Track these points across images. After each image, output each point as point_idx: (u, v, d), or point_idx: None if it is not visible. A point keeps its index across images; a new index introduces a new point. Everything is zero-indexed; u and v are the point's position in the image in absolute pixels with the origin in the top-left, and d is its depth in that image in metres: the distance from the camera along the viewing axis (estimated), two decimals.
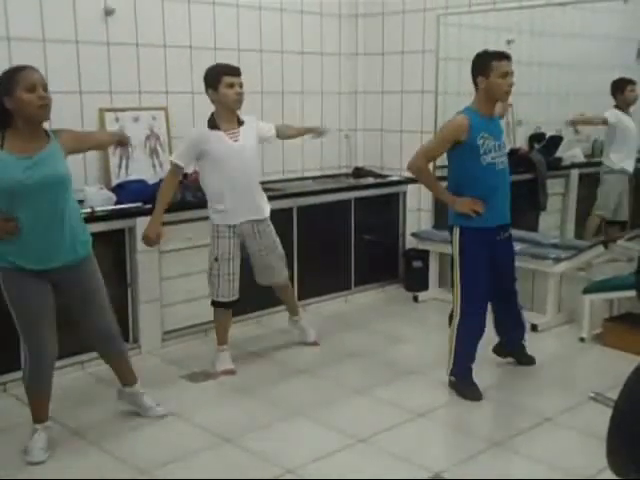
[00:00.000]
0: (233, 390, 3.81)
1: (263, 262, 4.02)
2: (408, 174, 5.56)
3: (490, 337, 3.91)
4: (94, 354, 4.03)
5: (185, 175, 4.57)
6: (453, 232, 3.63)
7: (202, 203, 4.36)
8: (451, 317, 3.71)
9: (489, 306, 3.75)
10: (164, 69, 4.67)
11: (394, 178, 5.65)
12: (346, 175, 5.82)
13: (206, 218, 4.35)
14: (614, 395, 1.73)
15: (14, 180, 2.77)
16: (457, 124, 3.50)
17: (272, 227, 4.03)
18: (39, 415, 3.14)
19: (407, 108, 5.64)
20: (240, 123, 3.88)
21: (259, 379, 3.93)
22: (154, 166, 4.63)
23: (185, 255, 4.31)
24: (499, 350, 4.03)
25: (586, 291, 4.47)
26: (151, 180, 4.49)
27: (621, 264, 4.59)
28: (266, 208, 4.00)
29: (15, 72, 2.82)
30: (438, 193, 3.77)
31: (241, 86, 3.80)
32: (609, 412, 1.72)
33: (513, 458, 3.10)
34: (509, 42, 5.73)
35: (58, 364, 3.85)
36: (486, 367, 3.97)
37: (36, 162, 2.82)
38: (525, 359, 4.03)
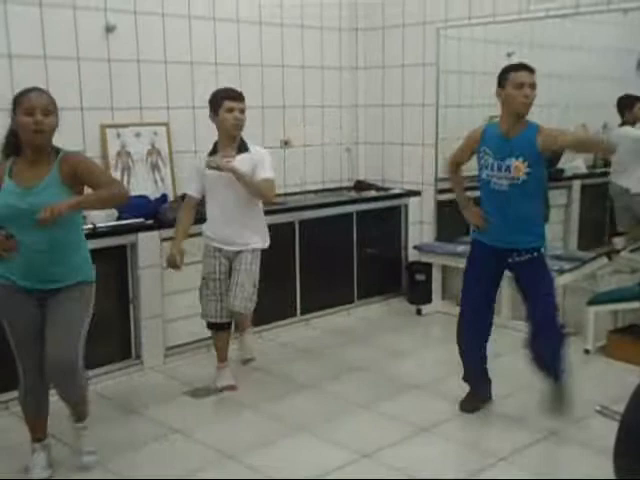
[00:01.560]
0: (236, 406, 3.78)
1: (235, 279, 3.81)
2: (410, 187, 5.65)
3: (498, 351, 3.89)
4: (96, 371, 4.03)
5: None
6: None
7: (204, 218, 4.37)
8: None
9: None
10: (165, 85, 4.68)
11: (396, 191, 5.65)
12: (348, 188, 5.82)
13: None
14: (620, 408, 1.72)
15: (7, 206, 2.79)
16: (471, 132, 3.53)
17: (257, 261, 3.88)
18: (37, 434, 3.11)
19: (408, 121, 5.65)
20: (242, 150, 3.78)
21: (262, 394, 3.91)
22: (156, 181, 4.63)
23: (187, 271, 4.29)
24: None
25: (590, 303, 4.44)
26: (153, 195, 4.49)
27: (625, 275, 4.57)
28: (254, 240, 3.85)
29: (20, 94, 2.83)
30: (458, 196, 3.73)
31: (242, 112, 3.75)
32: (616, 425, 1.70)
33: (518, 473, 3.07)
34: (509, 54, 5.74)
35: None
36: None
37: (33, 193, 2.80)
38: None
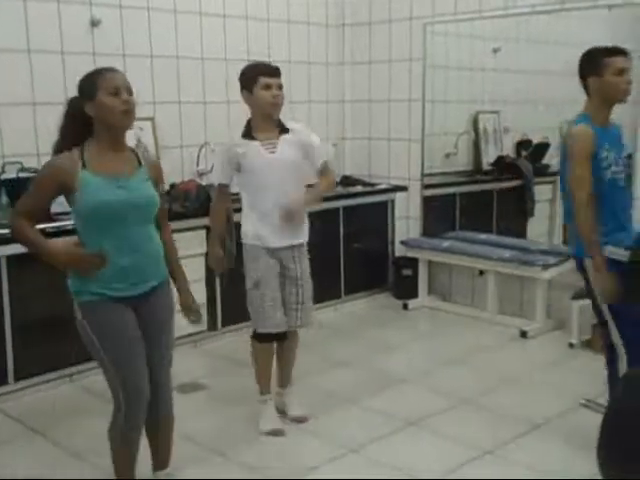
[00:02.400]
0: (222, 401, 3.78)
1: (297, 295, 3.43)
2: (396, 182, 5.66)
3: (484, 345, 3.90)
4: (82, 366, 4.01)
5: (172, 185, 4.57)
6: (586, 265, 3.09)
7: (190, 213, 4.36)
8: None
9: None
10: (151, 79, 4.66)
11: (382, 186, 5.66)
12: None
13: (195, 228, 4.35)
14: (604, 401, 1.74)
15: (107, 201, 2.43)
16: (582, 140, 3.01)
17: (307, 254, 3.51)
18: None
19: (395, 116, 5.66)
20: (282, 131, 3.35)
21: (249, 390, 3.88)
22: None
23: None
24: None
25: (575, 297, 4.48)
26: None
27: None
28: (306, 230, 3.49)
29: (95, 75, 2.52)
30: (597, 245, 3.03)
31: (280, 88, 3.29)
32: (599, 418, 1.72)
33: (504, 465, 3.09)
34: (495, 50, 5.77)
35: (44, 377, 3.84)
36: (475, 373, 3.96)
37: (126, 184, 2.49)
38: None
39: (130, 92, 2.51)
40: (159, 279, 2.60)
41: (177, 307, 2.74)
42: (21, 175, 3.86)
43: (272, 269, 3.35)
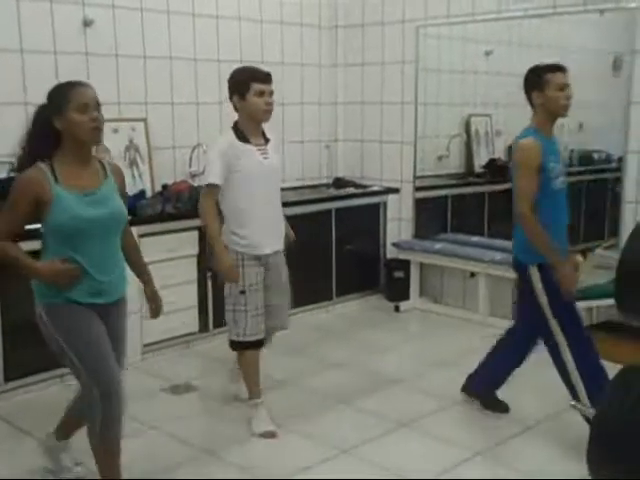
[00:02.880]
0: (214, 402, 3.78)
1: (281, 299, 3.51)
2: (388, 184, 5.67)
3: (475, 347, 3.92)
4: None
5: (165, 186, 4.56)
6: (529, 271, 3.26)
7: (183, 214, 4.35)
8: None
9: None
10: (143, 80, 4.65)
11: (375, 188, 5.67)
12: (327, 185, 5.83)
13: (187, 229, 4.35)
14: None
15: (80, 219, 2.49)
16: (536, 149, 3.17)
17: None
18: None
19: (387, 119, 5.67)
20: (267, 139, 3.39)
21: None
22: (134, 177, 4.60)
23: (166, 267, 4.28)
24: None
25: None
26: (131, 191, 4.45)
27: (600, 272, 4.63)
28: (283, 237, 3.54)
29: (66, 89, 2.55)
30: (546, 248, 3.17)
31: (272, 94, 3.30)
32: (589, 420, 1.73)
33: (495, 467, 3.11)
34: (487, 53, 5.80)
35: (35, 378, 3.82)
36: (466, 375, 3.97)
37: (100, 199, 2.55)
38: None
39: (98, 108, 2.55)
40: (122, 293, 2.70)
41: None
42: (12, 175, 3.84)
43: (259, 277, 3.37)
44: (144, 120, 4.67)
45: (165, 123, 4.75)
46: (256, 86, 3.25)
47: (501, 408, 3.62)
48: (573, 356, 3.26)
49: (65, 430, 2.96)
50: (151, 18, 4.65)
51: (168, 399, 3.83)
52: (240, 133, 3.31)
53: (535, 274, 3.24)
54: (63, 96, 2.52)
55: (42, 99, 4.23)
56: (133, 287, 4.15)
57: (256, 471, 3.06)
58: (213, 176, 3.28)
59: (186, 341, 4.44)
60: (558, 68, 3.24)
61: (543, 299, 3.25)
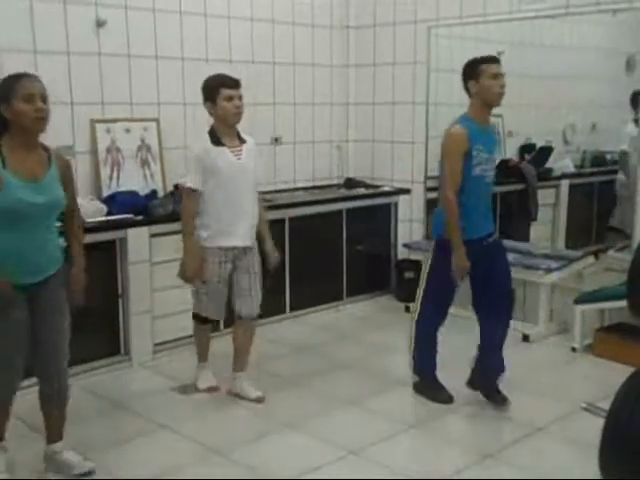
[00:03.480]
0: (223, 402, 3.78)
1: (249, 284, 3.71)
2: (399, 185, 5.66)
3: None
4: (84, 366, 4.02)
5: (176, 186, 4.57)
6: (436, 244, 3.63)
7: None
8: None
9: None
10: (156, 80, 4.67)
11: (385, 189, 5.67)
12: (338, 186, 5.83)
13: None
14: (606, 405, 1.74)
15: (23, 203, 2.67)
16: (456, 139, 3.42)
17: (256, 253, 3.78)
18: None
19: (398, 119, 5.66)
20: (242, 141, 3.66)
21: None
22: (145, 177, 4.62)
23: (176, 266, 4.27)
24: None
25: (577, 301, 4.48)
26: (142, 191, 4.48)
27: (612, 274, 4.60)
28: (254, 232, 3.75)
29: (13, 80, 2.73)
30: (453, 233, 3.45)
31: (240, 99, 3.58)
32: (601, 422, 1.72)
33: (505, 469, 3.09)
34: (499, 54, 5.74)
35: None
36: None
37: (43, 187, 2.74)
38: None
39: (45, 100, 2.74)
40: (54, 270, 2.87)
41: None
42: None
43: (223, 271, 3.64)
44: (156, 120, 4.69)
45: (177, 123, 4.77)
46: (225, 91, 3.54)
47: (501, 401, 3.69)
48: (417, 327, 3.73)
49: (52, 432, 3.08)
50: (163, 19, 4.67)
51: (178, 399, 3.84)
52: (214, 137, 3.58)
53: (435, 245, 3.60)
54: (10, 87, 2.71)
55: (55, 99, 4.27)
56: (143, 286, 4.22)
57: (264, 471, 3.06)
58: (191, 181, 3.56)
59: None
60: (492, 59, 3.49)
61: (426, 267, 3.64)
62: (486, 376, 3.73)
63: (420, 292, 3.71)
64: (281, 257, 4.91)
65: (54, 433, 3.06)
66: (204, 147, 3.57)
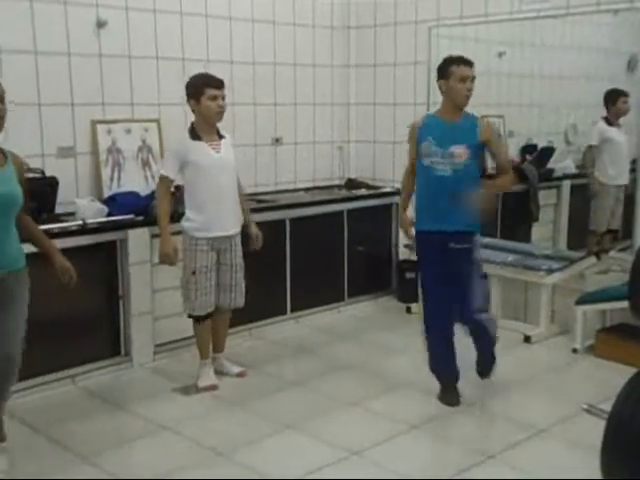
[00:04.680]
0: (225, 403, 3.78)
1: (231, 279, 3.90)
2: (400, 185, 5.65)
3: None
4: (85, 367, 4.03)
5: (177, 187, 4.57)
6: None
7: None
8: None
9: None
10: (156, 81, 4.67)
11: (387, 189, 5.66)
12: (339, 186, 5.83)
13: None
14: (607, 407, 1.73)
15: None
16: (411, 127, 3.71)
17: (240, 242, 3.95)
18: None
19: (399, 119, 5.65)
20: (220, 136, 3.85)
21: (251, 391, 3.91)
22: (146, 178, 4.62)
23: (177, 267, 4.29)
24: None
25: (579, 302, 4.47)
26: (143, 192, 4.48)
27: (613, 275, 4.60)
28: (239, 223, 3.95)
29: None
30: (405, 200, 3.91)
31: (224, 99, 3.76)
32: (603, 424, 1.72)
33: (507, 470, 3.08)
34: (500, 54, 5.77)
35: (48, 378, 3.85)
36: (479, 377, 3.96)
37: (1, 178, 2.80)
38: None
39: (2, 100, 2.79)
40: (17, 266, 2.91)
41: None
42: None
43: (210, 260, 3.80)
44: (157, 121, 4.68)
45: (177, 124, 4.75)
46: (210, 91, 3.69)
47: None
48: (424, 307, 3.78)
49: None
50: (164, 19, 4.67)
51: (179, 399, 3.84)
52: (193, 133, 3.77)
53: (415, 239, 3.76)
54: None
55: (55, 100, 4.29)
56: (143, 287, 4.21)
57: (266, 472, 3.06)
58: (166, 169, 3.80)
59: (190, 344, 4.44)
60: (463, 61, 3.57)
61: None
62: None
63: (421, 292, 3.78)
64: (282, 258, 4.95)
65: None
66: (183, 143, 3.78)
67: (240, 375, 4.08)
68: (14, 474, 3.02)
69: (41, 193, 3.87)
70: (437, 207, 3.60)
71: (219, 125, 3.87)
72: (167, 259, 3.81)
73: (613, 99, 5.26)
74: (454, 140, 3.56)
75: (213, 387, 3.90)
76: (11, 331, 2.94)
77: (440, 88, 3.63)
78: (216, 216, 3.78)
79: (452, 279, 3.62)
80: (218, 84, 3.74)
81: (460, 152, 3.53)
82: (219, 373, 4.06)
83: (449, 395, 3.71)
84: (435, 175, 3.58)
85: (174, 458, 3.19)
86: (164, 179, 3.81)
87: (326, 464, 3.11)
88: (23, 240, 3.01)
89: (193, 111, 3.80)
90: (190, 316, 3.92)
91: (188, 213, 3.83)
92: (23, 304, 2.97)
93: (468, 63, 3.57)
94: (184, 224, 3.84)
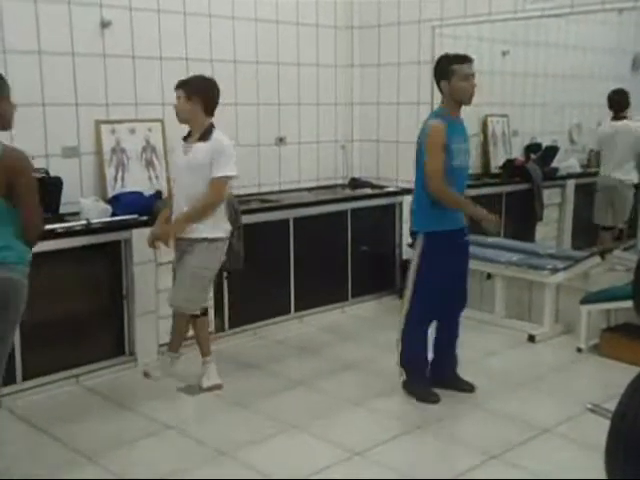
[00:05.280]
0: (230, 403, 3.78)
1: (179, 277, 3.81)
2: (404, 185, 5.66)
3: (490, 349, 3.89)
4: (89, 367, 4.03)
5: None
6: (417, 238, 3.67)
7: None
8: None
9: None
10: (160, 81, 4.67)
11: (390, 189, 5.66)
12: (342, 186, 5.82)
13: None
14: (612, 406, 1.72)
15: None
16: (437, 134, 3.51)
17: (207, 252, 3.71)
18: None
19: (403, 119, 5.65)
20: (203, 137, 3.72)
21: (256, 391, 3.91)
22: (150, 178, 4.62)
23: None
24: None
25: (583, 301, 4.46)
26: (147, 192, 4.48)
27: (618, 274, 4.58)
28: (201, 229, 3.69)
29: None
30: (468, 208, 3.61)
31: (180, 99, 3.76)
32: (607, 423, 1.71)
33: (510, 470, 3.08)
34: (504, 53, 5.77)
35: (52, 377, 3.85)
36: (483, 377, 3.96)
37: None
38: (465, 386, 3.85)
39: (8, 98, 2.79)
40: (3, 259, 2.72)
41: None
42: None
43: (176, 258, 3.85)
44: (161, 121, 4.69)
45: (182, 124, 4.75)
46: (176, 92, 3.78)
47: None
48: (406, 322, 3.72)
49: None
50: (167, 19, 4.67)
51: (184, 399, 3.84)
52: (188, 133, 3.82)
53: (420, 241, 3.61)
54: None
55: (60, 100, 4.29)
56: (147, 286, 4.22)
57: (269, 471, 3.06)
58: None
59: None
60: (464, 59, 3.53)
61: (415, 263, 3.65)
62: (448, 368, 3.85)
63: (409, 292, 3.71)
64: (286, 258, 4.95)
65: None
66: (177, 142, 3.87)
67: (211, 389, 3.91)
68: (17, 474, 3.03)
69: (45, 193, 3.87)
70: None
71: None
72: (164, 235, 3.82)
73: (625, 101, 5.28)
74: (466, 137, 3.65)
75: (217, 386, 3.89)
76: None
77: (441, 89, 3.59)
78: (176, 215, 3.79)
79: (460, 275, 3.71)
80: (176, 85, 3.80)
81: (471, 149, 3.65)
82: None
83: (431, 393, 3.71)
84: (462, 174, 3.61)
85: (178, 458, 3.20)
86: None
87: (330, 464, 3.11)
88: None
89: None
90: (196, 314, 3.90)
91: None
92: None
93: (468, 60, 3.55)
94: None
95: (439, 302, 3.68)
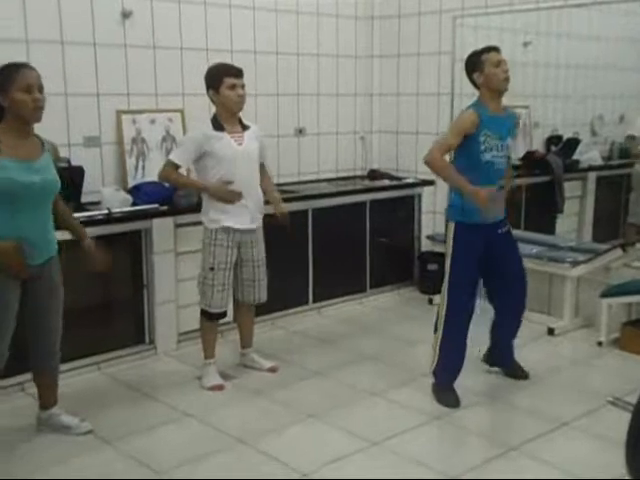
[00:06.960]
0: (248, 392, 3.81)
1: (254, 274, 3.85)
2: (423, 176, 5.64)
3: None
4: (110, 355, 4.08)
5: None
6: (448, 226, 3.67)
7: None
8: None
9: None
10: (181, 71, 4.69)
11: (409, 180, 5.64)
12: (361, 177, 5.82)
13: None
14: (632, 399, 1.72)
15: (19, 184, 2.78)
16: (467, 117, 3.49)
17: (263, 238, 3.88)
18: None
19: (423, 110, 5.63)
20: (244, 127, 3.76)
21: (274, 381, 3.93)
22: None
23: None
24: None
25: (604, 295, 4.43)
26: None
27: (639, 267, 4.54)
28: (261, 217, 3.85)
29: (12, 70, 2.79)
30: (455, 181, 3.52)
31: (243, 87, 3.68)
32: (628, 416, 1.70)
33: (529, 463, 3.07)
34: (526, 44, 5.71)
35: (73, 365, 3.90)
36: (500, 371, 3.95)
37: (38, 168, 2.87)
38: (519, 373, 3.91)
39: (41, 90, 2.83)
40: (52, 253, 3.02)
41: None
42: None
43: (230, 256, 3.73)
44: (181, 111, 4.71)
45: (201, 114, 4.76)
46: (228, 80, 3.63)
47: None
48: (443, 323, 3.64)
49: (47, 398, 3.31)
50: (188, 10, 4.68)
51: (202, 389, 3.86)
52: (216, 123, 3.69)
53: (451, 229, 3.61)
54: (8, 77, 2.76)
55: (81, 90, 4.32)
56: (167, 276, 4.25)
57: (287, 460, 3.07)
58: (177, 155, 3.71)
59: (220, 330, 4.46)
60: (491, 48, 3.57)
61: (448, 253, 3.63)
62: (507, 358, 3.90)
63: (445, 285, 3.64)
64: (304, 248, 4.96)
65: (50, 399, 3.26)
66: (204, 132, 3.68)
67: (271, 370, 4.03)
68: (38, 459, 3.08)
69: (67, 182, 3.90)
70: (493, 199, 3.54)
71: (243, 116, 3.86)
72: (228, 193, 3.66)
73: None
74: (507, 133, 3.58)
75: (220, 387, 3.82)
76: (54, 326, 3.11)
77: (474, 82, 3.56)
78: (237, 210, 3.69)
79: (507, 272, 3.74)
80: (236, 72, 3.68)
81: (510, 145, 3.59)
82: (250, 368, 4.06)
83: (452, 395, 3.63)
84: (494, 169, 3.53)
85: (197, 445, 3.22)
86: (170, 165, 3.69)
87: (347, 453, 3.12)
88: (58, 227, 3.12)
89: (213, 102, 3.74)
90: (203, 312, 3.84)
91: (206, 206, 3.75)
92: (60, 288, 3.11)
93: (495, 49, 3.57)
94: (202, 218, 3.78)
95: (471, 296, 3.63)
